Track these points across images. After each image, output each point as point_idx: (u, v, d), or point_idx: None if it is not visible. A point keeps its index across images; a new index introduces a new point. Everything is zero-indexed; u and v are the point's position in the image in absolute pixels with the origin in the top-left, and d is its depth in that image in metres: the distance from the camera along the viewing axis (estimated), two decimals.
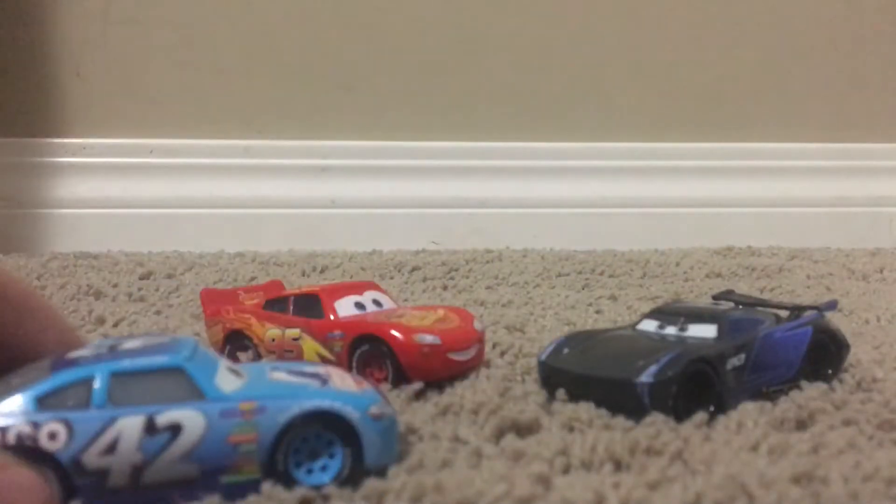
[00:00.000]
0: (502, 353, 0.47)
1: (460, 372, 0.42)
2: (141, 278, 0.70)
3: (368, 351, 0.42)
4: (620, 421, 0.35)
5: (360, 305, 0.45)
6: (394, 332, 0.41)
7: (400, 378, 0.41)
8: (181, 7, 0.88)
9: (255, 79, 0.90)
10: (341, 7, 0.90)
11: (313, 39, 0.90)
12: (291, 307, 0.46)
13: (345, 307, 0.45)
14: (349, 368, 0.42)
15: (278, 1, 0.90)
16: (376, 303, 0.46)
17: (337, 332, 0.43)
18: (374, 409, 0.30)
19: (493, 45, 0.92)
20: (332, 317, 0.44)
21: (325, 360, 0.43)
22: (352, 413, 0.30)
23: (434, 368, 0.41)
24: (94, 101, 0.88)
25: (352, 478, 0.30)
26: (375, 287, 0.47)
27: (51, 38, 0.88)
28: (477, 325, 0.44)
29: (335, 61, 0.91)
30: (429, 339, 0.41)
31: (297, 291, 0.47)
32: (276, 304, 0.46)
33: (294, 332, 0.45)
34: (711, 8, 0.94)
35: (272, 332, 0.45)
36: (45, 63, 0.88)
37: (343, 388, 0.31)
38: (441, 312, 0.44)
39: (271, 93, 0.91)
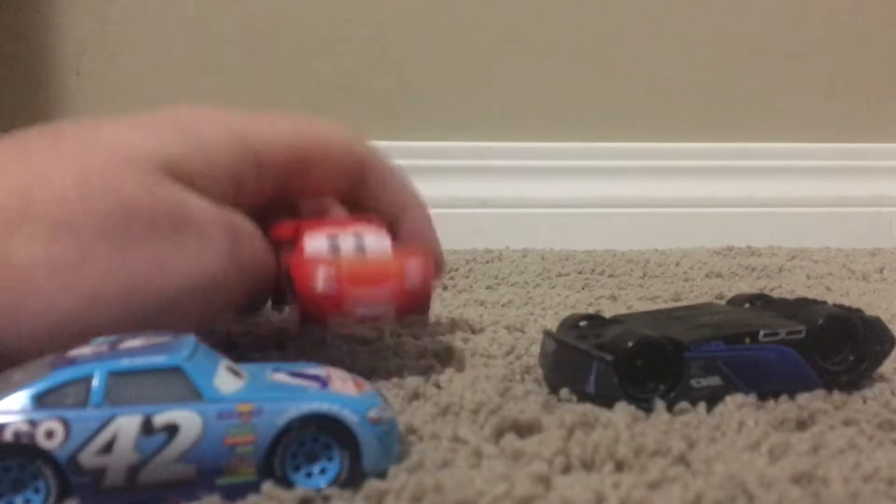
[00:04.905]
0: (503, 354, 0.47)
1: (367, 304, 0.40)
2: None
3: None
4: (621, 420, 0.35)
5: (333, 242, 0.42)
6: (292, 257, 0.40)
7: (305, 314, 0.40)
8: (181, 7, 0.88)
9: (254, 79, 0.90)
10: (341, 7, 0.90)
11: (313, 39, 0.90)
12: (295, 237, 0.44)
13: (315, 242, 0.42)
14: (291, 295, 0.41)
15: (278, 1, 0.90)
16: (357, 241, 0.43)
17: (284, 264, 0.42)
18: (373, 413, 0.30)
19: (494, 45, 0.92)
20: (297, 249, 0.42)
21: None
22: (350, 417, 0.30)
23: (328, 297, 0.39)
24: (94, 100, 0.88)
25: (350, 482, 0.30)
26: (373, 225, 0.44)
27: (50, 38, 0.88)
28: (412, 265, 0.41)
29: (335, 61, 0.91)
30: (326, 271, 0.39)
31: (303, 223, 0.45)
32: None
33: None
34: (711, 8, 0.94)
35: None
36: (45, 63, 0.88)
37: (342, 391, 0.31)
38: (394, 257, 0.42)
39: (271, 93, 0.91)
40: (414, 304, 0.41)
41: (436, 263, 0.44)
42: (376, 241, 0.43)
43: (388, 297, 0.40)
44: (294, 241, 0.43)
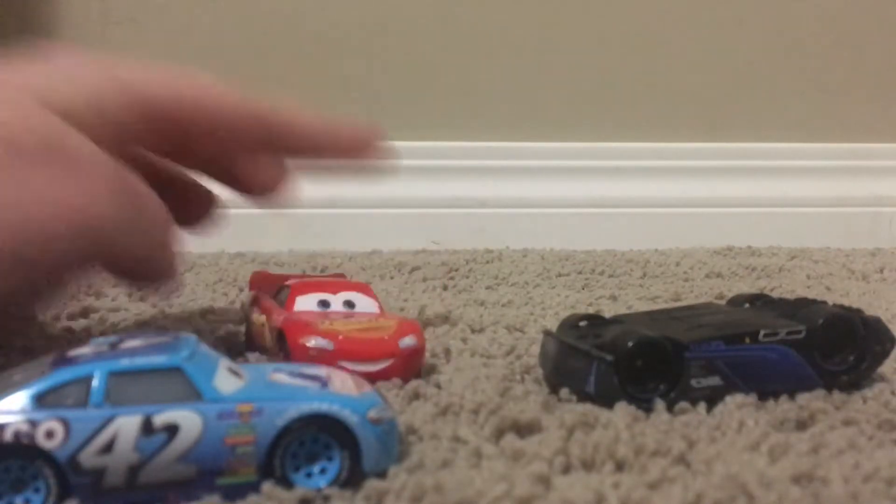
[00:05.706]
0: (503, 354, 0.47)
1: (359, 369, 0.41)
2: None
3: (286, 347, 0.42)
4: (621, 420, 0.35)
5: (324, 303, 0.44)
6: (289, 331, 0.41)
7: None
8: (181, 7, 0.88)
9: (254, 79, 0.90)
10: (341, 7, 0.90)
11: (314, 39, 0.90)
12: (277, 295, 0.46)
13: (306, 303, 0.44)
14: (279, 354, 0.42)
15: (279, 1, 0.90)
16: (348, 304, 0.45)
17: (275, 325, 0.43)
18: (372, 413, 0.30)
19: (493, 45, 0.92)
20: (287, 310, 0.44)
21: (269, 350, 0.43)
22: (350, 417, 0.30)
23: None
24: None
25: (350, 482, 0.30)
26: (362, 289, 0.46)
27: (50, 38, 0.88)
28: (407, 340, 0.41)
29: (336, 61, 0.91)
30: (321, 342, 0.40)
31: (290, 281, 0.46)
32: (280, 291, 0.46)
33: (262, 318, 0.44)
34: (711, 8, 0.94)
35: (257, 317, 0.45)
36: None
37: (342, 392, 0.31)
38: (385, 322, 0.43)
39: (271, 92, 0.90)
40: (405, 373, 0.42)
41: (364, 136, 0.45)
42: (366, 307, 0.45)
43: (379, 365, 0.41)
44: (283, 301, 0.44)
